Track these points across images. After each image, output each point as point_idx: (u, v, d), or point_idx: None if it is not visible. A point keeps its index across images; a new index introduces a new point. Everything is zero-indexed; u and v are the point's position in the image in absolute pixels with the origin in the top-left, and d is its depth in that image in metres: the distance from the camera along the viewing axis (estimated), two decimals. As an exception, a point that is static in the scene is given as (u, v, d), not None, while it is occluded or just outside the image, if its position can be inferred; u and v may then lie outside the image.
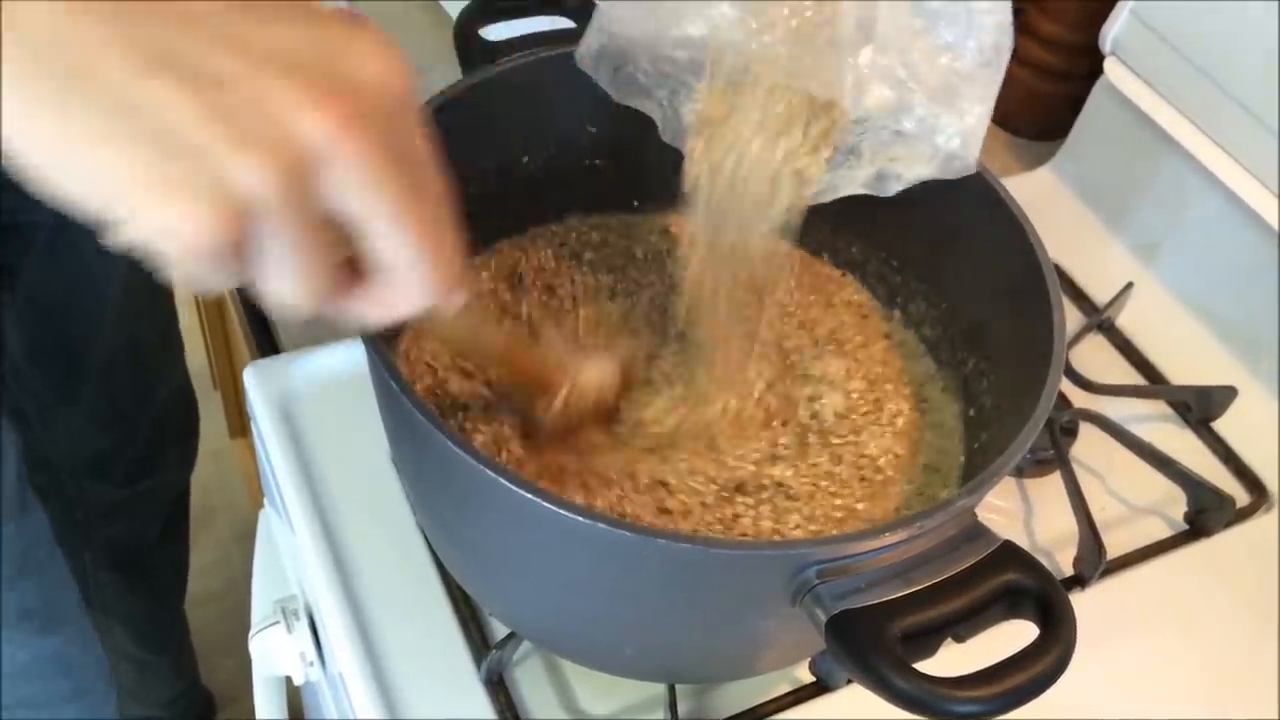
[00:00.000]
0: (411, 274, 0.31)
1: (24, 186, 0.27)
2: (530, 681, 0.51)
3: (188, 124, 0.26)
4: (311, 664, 0.58)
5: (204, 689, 1.25)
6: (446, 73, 0.49)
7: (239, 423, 1.42)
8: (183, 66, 0.27)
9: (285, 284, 0.30)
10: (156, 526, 1.07)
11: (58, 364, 0.87)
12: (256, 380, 0.59)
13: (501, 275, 0.54)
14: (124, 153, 0.26)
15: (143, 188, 0.27)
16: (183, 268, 0.28)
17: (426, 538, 0.53)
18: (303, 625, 0.57)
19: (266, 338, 0.67)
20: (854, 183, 0.46)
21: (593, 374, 0.47)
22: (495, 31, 0.52)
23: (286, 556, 0.62)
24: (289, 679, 0.63)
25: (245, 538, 1.06)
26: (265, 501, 0.68)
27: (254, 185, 0.27)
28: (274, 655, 0.58)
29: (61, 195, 0.27)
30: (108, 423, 0.94)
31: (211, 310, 1.26)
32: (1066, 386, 0.64)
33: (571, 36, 0.52)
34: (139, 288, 0.89)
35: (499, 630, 0.51)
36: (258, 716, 0.71)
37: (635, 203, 0.57)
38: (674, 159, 0.55)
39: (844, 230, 0.56)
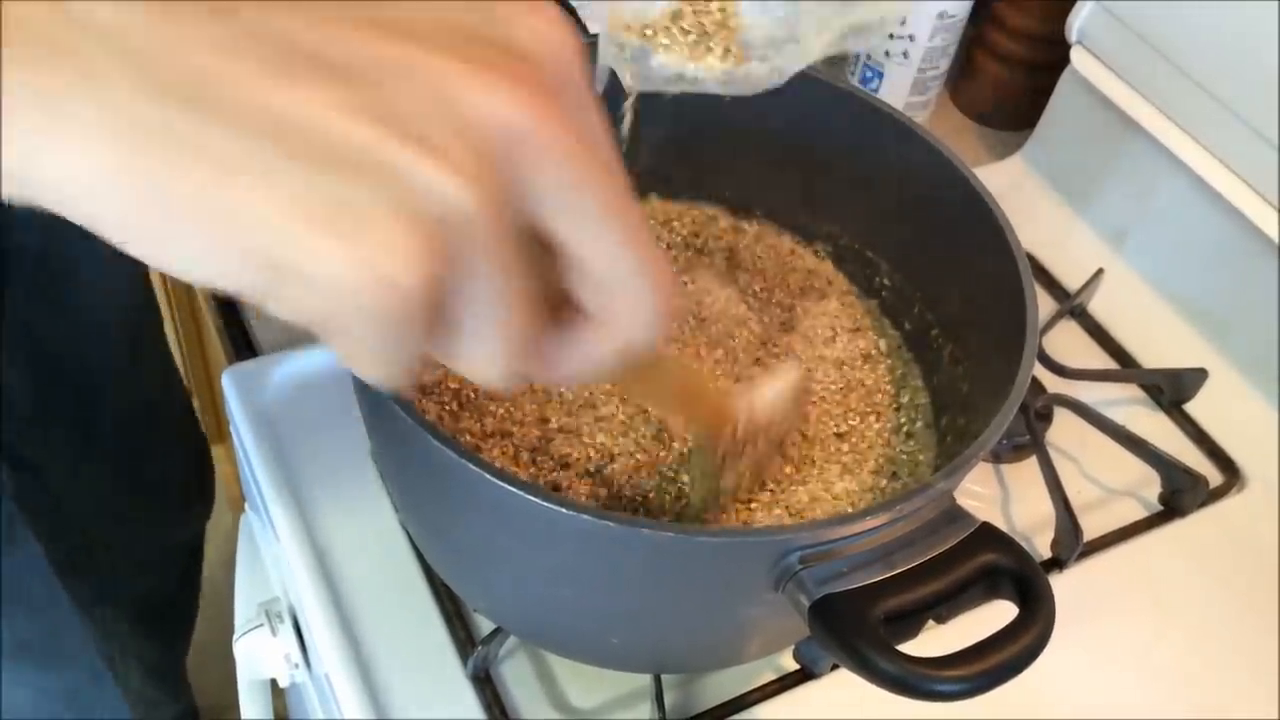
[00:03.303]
0: (633, 293, 0.24)
1: (3, 207, 0.21)
2: (517, 677, 0.51)
3: (348, 133, 0.21)
4: (297, 666, 0.58)
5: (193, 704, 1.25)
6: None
7: (216, 428, 1.41)
8: (323, 62, 0.21)
9: (489, 341, 0.23)
10: (175, 576, 1.07)
11: (71, 418, 0.85)
12: (235, 384, 0.59)
13: None
14: (275, 184, 0.20)
15: (307, 226, 0.20)
16: (374, 335, 0.21)
17: (409, 536, 0.53)
18: (287, 627, 0.57)
19: (243, 341, 0.67)
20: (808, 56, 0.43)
21: (766, 399, 0.42)
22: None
23: (269, 559, 0.62)
24: (274, 681, 0.63)
25: (227, 541, 1.06)
26: (246, 505, 0.67)
27: (448, 197, 0.21)
28: (259, 658, 0.58)
29: (179, 268, 0.21)
30: (127, 478, 0.93)
31: (185, 315, 1.25)
32: (1040, 372, 0.65)
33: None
34: (145, 331, 0.89)
35: (484, 626, 0.52)
36: (243, 720, 0.70)
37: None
38: (659, 154, 0.55)
39: (820, 217, 0.56)
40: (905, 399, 0.52)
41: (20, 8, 0.20)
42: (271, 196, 0.20)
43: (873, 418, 0.51)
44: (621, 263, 0.24)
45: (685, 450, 0.46)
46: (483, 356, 0.23)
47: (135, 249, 0.21)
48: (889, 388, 0.52)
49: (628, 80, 0.43)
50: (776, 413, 0.43)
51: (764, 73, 0.43)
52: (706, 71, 0.42)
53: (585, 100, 0.24)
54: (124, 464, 0.92)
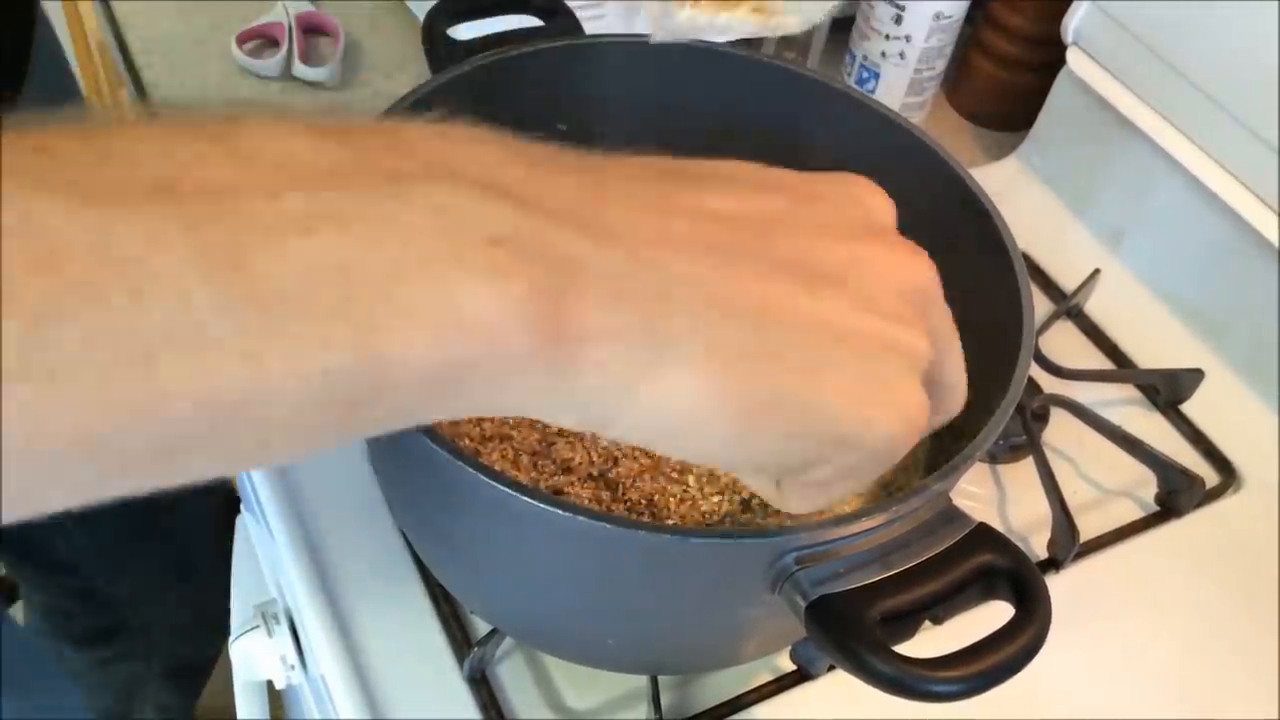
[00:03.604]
0: (960, 388, 0.33)
1: None
2: (513, 678, 0.51)
3: (863, 325, 0.26)
4: (293, 667, 0.58)
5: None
6: (416, 73, 0.49)
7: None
8: (821, 273, 0.27)
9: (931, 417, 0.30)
10: (210, 638, 1.06)
11: (106, 522, 0.85)
12: (231, 385, 0.59)
13: None
14: (834, 376, 0.26)
15: (861, 404, 0.26)
16: (880, 469, 0.28)
17: (406, 537, 0.53)
18: (283, 629, 0.57)
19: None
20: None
21: None
22: (463, 31, 0.52)
23: (265, 561, 0.62)
24: (270, 683, 0.63)
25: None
26: (242, 507, 0.67)
27: (923, 351, 0.28)
28: (255, 660, 0.58)
29: (750, 462, 0.27)
30: (164, 560, 0.93)
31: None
32: (1037, 373, 0.65)
33: (538, 35, 0.52)
34: None
35: (481, 628, 0.52)
36: (240, 723, 0.70)
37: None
38: (643, 154, 0.55)
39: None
40: None
41: (594, 255, 0.23)
42: (830, 387, 0.26)
43: None
44: (961, 376, 0.33)
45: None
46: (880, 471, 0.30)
47: (707, 453, 0.26)
48: None
49: (657, 34, 0.44)
50: None
51: (794, 23, 0.44)
52: (739, 22, 0.43)
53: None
54: (159, 552, 0.92)
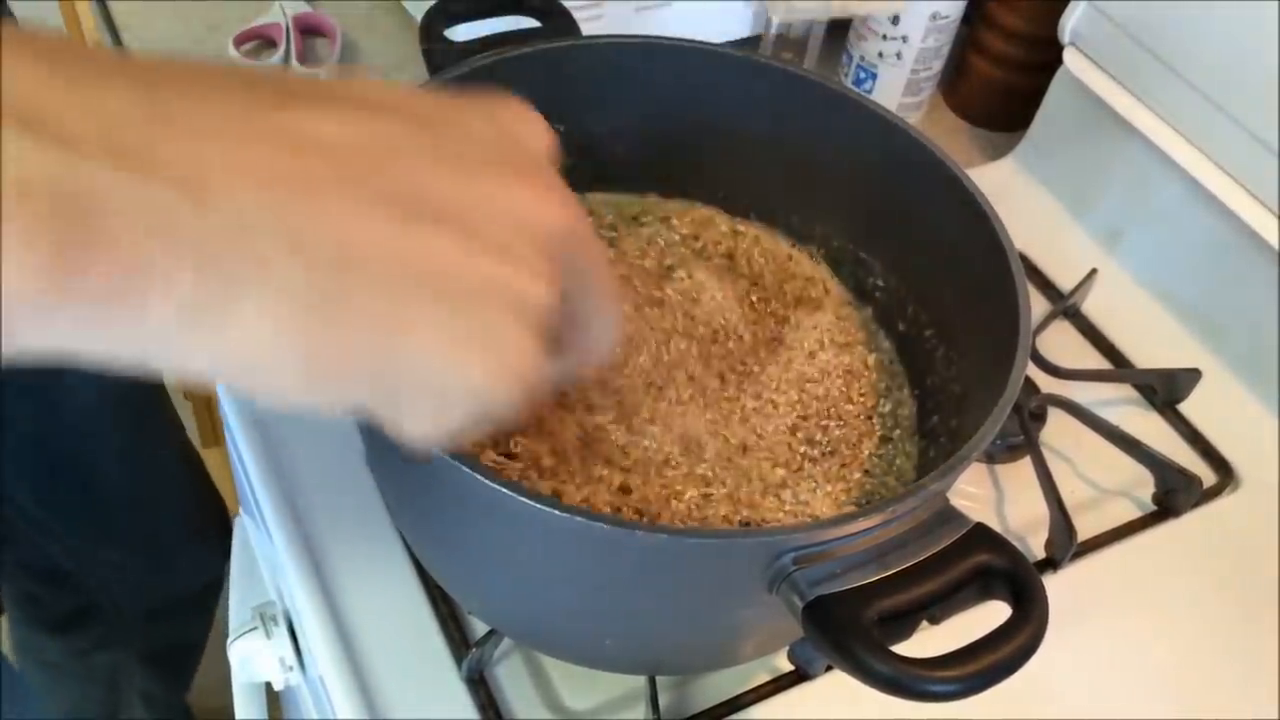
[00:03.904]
0: (611, 330, 0.32)
1: None
2: (511, 679, 0.51)
3: (473, 269, 0.25)
4: (291, 669, 0.58)
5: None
6: (413, 74, 0.49)
7: (211, 432, 1.41)
8: (432, 211, 0.25)
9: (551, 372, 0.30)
10: (187, 621, 1.06)
11: (77, 507, 0.85)
12: (230, 388, 0.59)
13: None
14: (425, 325, 0.24)
15: (455, 352, 0.25)
16: (480, 416, 0.27)
17: (404, 539, 0.53)
18: (282, 631, 0.57)
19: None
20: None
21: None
22: (460, 32, 0.52)
23: (264, 563, 0.62)
24: (269, 685, 0.63)
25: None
26: (241, 509, 0.67)
27: (543, 297, 0.27)
28: (254, 661, 0.58)
29: (329, 407, 0.25)
30: (141, 547, 0.93)
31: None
32: (1034, 372, 0.65)
33: (536, 36, 0.52)
34: (145, 401, 0.88)
35: (479, 629, 0.52)
36: (238, 724, 0.70)
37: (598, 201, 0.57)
38: (640, 154, 0.55)
39: (813, 218, 0.56)
40: (886, 409, 0.52)
41: (147, 193, 0.21)
42: (422, 336, 0.24)
43: (839, 431, 0.51)
44: (609, 314, 0.32)
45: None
46: (548, 376, 0.30)
47: (294, 400, 0.25)
48: (864, 400, 0.52)
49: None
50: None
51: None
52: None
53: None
54: (128, 535, 0.91)
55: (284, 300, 0.23)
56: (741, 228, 0.57)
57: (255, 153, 0.23)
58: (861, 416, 0.51)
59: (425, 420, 0.27)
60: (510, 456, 0.44)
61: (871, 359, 0.53)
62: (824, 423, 0.50)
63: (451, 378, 0.25)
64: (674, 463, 0.46)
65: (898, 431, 0.51)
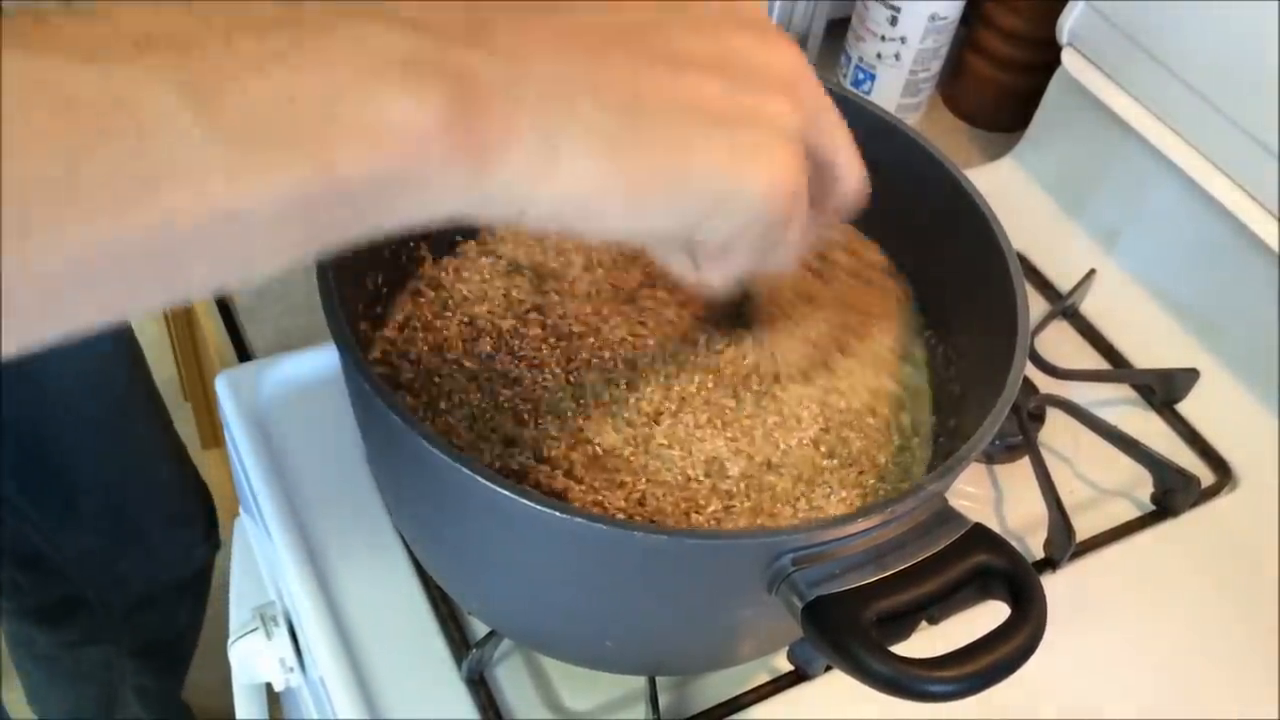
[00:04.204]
0: (857, 168, 0.37)
1: None
2: (512, 680, 0.51)
3: (736, 102, 0.30)
4: (292, 670, 0.58)
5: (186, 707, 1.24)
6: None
7: (211, 434, 1.41)
8: (693, 62, 0.30)
9: (800, 227, 0.34)
10: (175, 612, 1.06)
11: (53, 493, 0.85)
12: (229, 388, 0.59)
13: (499, 271, 0.53)
14: (710, 147, 0.30)
15: (739, 165, 0.30)
16: (769, 235, 0.32)
17: (404, 539, 0.53)
18: (282, 631, 0.57)
19: (238, 345, 0.67)
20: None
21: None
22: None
23: (264, 563, 0.62)
24: (269, 685, 0.63)
25: (221, 547, 1.06)
26: (241, 509, 0.67)
27: (794, 119, 0.32)
28: (254, 662, 0.58)
29: (644, 228, 0.31)
30: (118, 534, 0.93)
31: (180, 321, 1.25)
32: (1033, 373, 0.65)
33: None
34: (128, 388, 0.88)
35: (479, 629, 0.52)
36: (238, 725, 0.70)
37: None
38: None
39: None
40: (906, 420, 0.52)
41: (492, 69, 0.27)
42: (709, 154, 0.30)
43: (860, 443, 0.50)
44: (851, 151, 0.36)
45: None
46: (790, 245, 0.34)
47: (610, 227, 0.30)
48: (883, 389, 0.52)
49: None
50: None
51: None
52: None
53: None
54: (110, 521, 0.91)
55: (595, 139, 0.28)
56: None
57: (550, 33, 0.29)
58: (881, 427, 0.51)
59: (725, 247, 0.33)
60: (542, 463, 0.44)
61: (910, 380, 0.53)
62: (845, 434, 0.50)
63: (737, 185, 0.30)
64: (697, 480, 0.46)
65: (915, 440, 0.51)
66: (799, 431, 0.48)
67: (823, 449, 0.48)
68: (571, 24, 0.30)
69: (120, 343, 0.85)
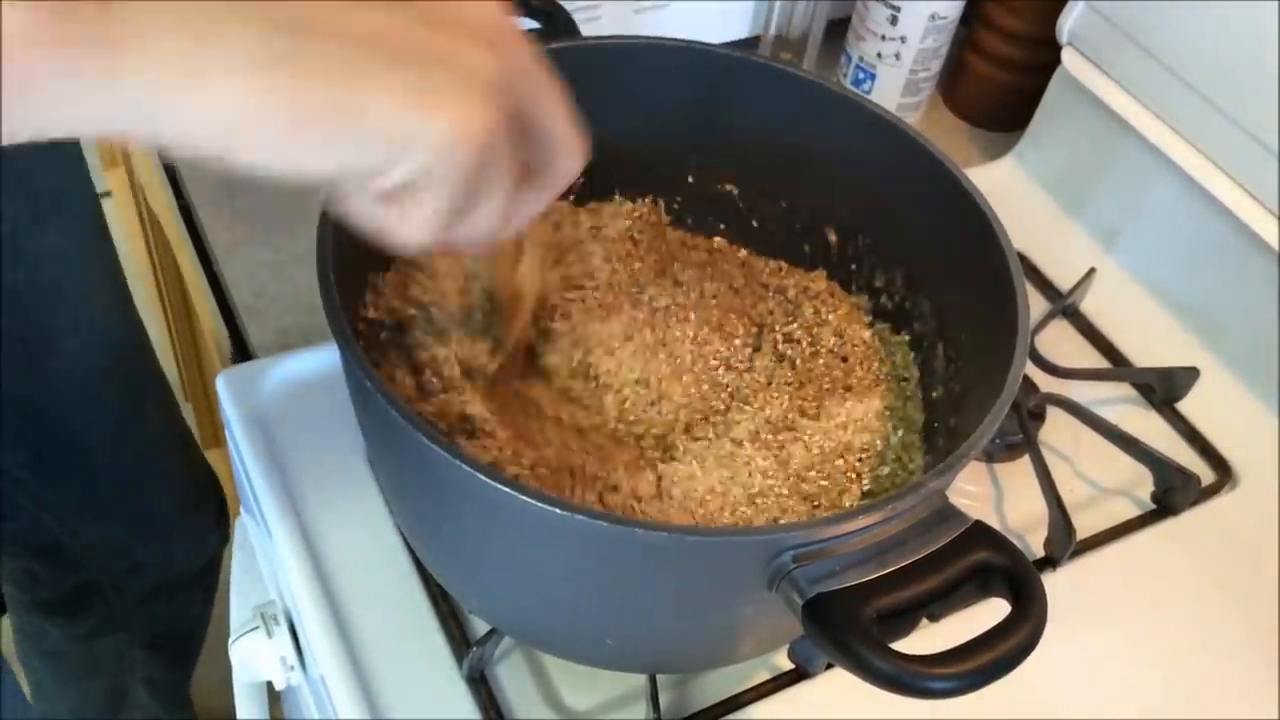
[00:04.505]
0: (572, 140, 0.34)
1: None
2: (512, 678, 0.51)
3: (422, 38, 0.28)
4: (293, 668, 0.58)
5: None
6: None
7: (211, 434, 1.41)
8: None
9: (499, 196, 0.31)
10: (186, 602, 1.07)
11: (70, 479, 0.85)
12: (229, 388, 0.59)
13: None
14: (385, 81, 0.27)
15: (417, 105, 0.27)
16: (456, 184, 0.29)
17: (405, 538, 0.54)
18: (283, 630, 0.57)
19: (239, 344, 0.67)
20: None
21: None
22: (460, 33, 0.52)
23: (264, 562, 0.62)
24: (270, 684, 0.63)
25: (230, 538, 1.06)
26: (241, 508, 0.67)
27: (491, 69, 0.29)
28: (255, 661, 0.58)
29: (309, 169, 0.28)
30: (129, 519, 0.93)
31: (180, 321, 1.25)
32: (1033, 371, 0.65)
33: (535, 37, 0.52)
34: (136, 378, 0.88)
35: (479, 628, 0.52)
36: (239, 724, 0.70)
37: (597, 201, 0.58)
38: (638, 155, 0.56)
39: (813, 219, 0.57)
40: (898, 401, 0.52)
41: None
42: (385, 88, 0.27)
43: (864, 413, 0.51)
44: (568, 120, 0.33)
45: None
46: (490, 211, 0.32)
47: (268, 163, 0.27)
48: (882, 386, 0.53)
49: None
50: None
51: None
52: None
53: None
54: (125, 508, 0.92)
55: (252, 57, 0.25)
56: (743, 253, 0.58)
57: None
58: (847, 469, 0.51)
59: (400, 199, 0.30)
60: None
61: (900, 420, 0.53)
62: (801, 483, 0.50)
63: (416, 125, 0.28)
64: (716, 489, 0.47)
65: (912, 465, 0.51)
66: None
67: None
68: None
69: (129, 329, 0.86)
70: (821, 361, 0.53)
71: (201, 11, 0.25)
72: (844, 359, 0.54)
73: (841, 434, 0.50)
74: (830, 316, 0.55)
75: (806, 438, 0.49)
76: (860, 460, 0.49)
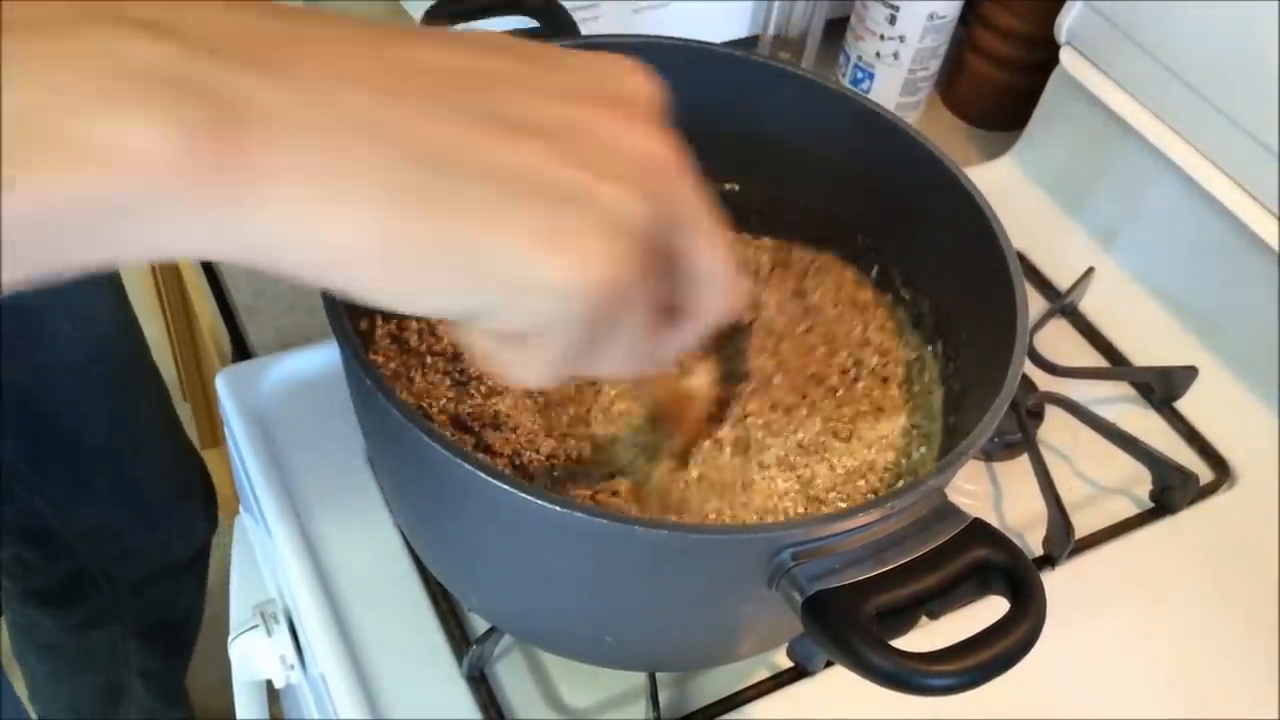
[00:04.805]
0: (723, 280, 0.31)
1: None
2: (512, 676, 0.51)
3: (557, 175, 0.26)
4: (292, 667, 0.58)
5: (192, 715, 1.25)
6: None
7: (210, 433, 1.41)
8: (523, 125, 0.26)
9: (634, 335, 0.29)
10: (177, 591, 1.07)
11: (63, 464, 0.86)
12: (229, 386, 0.59)
13: None
14: (510, 221, 0.25)
15: (539, 249, 0.25)
16: (574, 333, 0.27)
17: (404, 536, 0.54)
18: (282, 629, 0.57)
19: (238, 343, 0.67)
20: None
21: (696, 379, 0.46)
22: (460, 32, 0.52)
23: (264, 560, 0.62)
24: (270, 683, 0.63)
25: (221, 545, 1.06)
26: (241, 507, 0.68)
27: (629, 208, 0.27)
28: (254, 659, 0.58)
29: (425, 306, 0.26)
30: (121, 504, 0.93)
31: (180, 320, 1.25)
32: (1032, 370, 0.65)
33: (535, 36, 0.52)
34: (127, 365, 0.88)
35: (479, 626, 0.52)
36: (239, 723, 0.70)
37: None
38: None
39: (810, 217, 0.57)
40: (914, 400, 0.52)
41: (269, 94, 0.23)
42: (510, 230, 0.25)
43: (881, 413, 0.51)
44: (720, 261, 0.31)
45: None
46: (620, 353, 0.30)
47: (385, 297, 0.26)
48: (895, 384, 0.52)
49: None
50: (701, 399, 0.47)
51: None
52: None
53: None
54: (116, 493, 0.92)
55: (378, 189, 0.24)
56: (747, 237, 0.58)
57: (364, 64, 0.25)
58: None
59: (522, 341, 0.28)
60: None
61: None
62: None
63: (535, 273, 0.26)
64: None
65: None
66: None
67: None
68: (398, 59, 0.26)
69: (120, 318, 0.86)
70: (861, 385, 0.52)
71: (335, 136, 0.24)
72: (884, 379, 0.52)
73: (867, 453, 0.49)
74: (874, 335, 0.54)
75: (834, 459, 0.48)
76: (881, 480, 0.49)
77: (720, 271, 0.31)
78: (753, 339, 0.52)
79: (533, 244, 0.25)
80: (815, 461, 0.48)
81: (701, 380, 0.46)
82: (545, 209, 0.26)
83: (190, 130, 0.22)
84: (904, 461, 0.49)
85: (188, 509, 1.01)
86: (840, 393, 0.51)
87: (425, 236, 0.25)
